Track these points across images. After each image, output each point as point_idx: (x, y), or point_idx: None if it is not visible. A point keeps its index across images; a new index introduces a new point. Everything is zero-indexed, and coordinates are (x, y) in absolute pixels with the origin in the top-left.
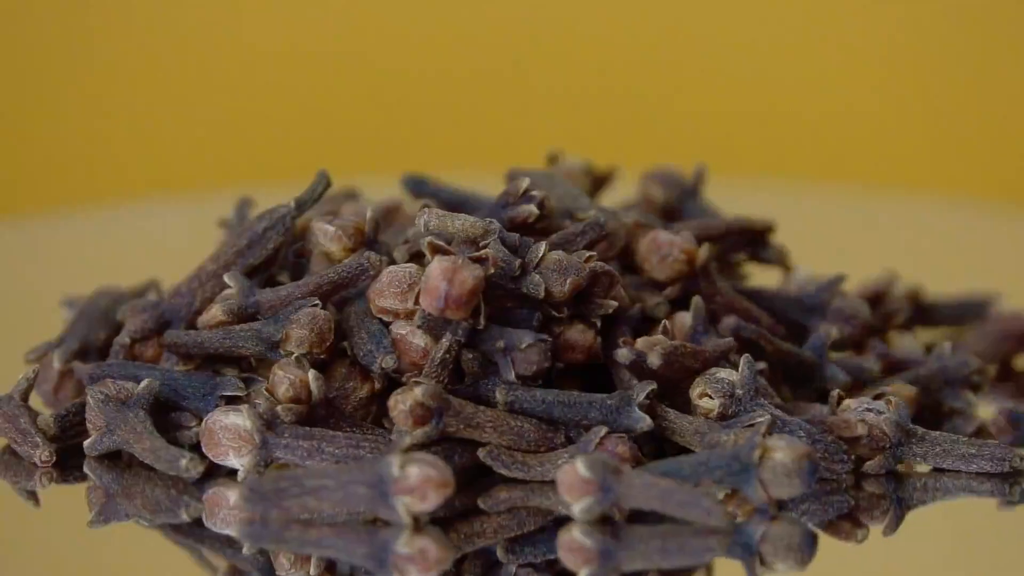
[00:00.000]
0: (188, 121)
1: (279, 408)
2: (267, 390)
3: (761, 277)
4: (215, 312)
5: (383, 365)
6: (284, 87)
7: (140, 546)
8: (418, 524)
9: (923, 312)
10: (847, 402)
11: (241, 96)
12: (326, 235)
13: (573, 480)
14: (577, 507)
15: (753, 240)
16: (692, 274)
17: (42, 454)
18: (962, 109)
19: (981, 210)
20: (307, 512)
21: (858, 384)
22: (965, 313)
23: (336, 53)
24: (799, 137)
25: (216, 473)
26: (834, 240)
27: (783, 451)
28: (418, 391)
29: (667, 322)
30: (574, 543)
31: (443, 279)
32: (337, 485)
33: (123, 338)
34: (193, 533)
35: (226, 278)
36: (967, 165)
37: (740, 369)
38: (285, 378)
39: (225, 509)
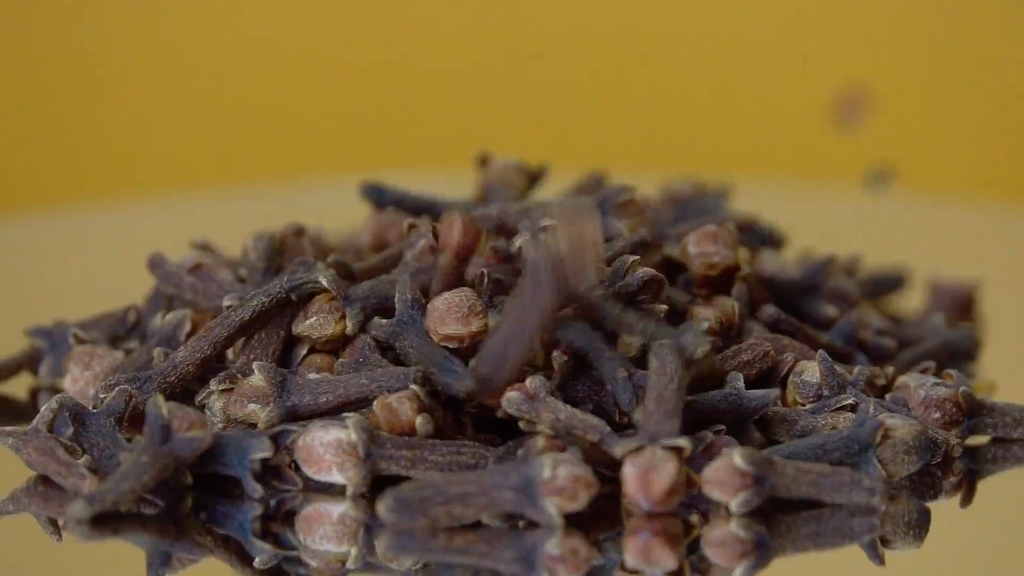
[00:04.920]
0: (184, 122)
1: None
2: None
3: None
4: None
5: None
6: (283, 88)
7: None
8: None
9: None
10: (902, 379)
11: (239, 96)
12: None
13: (728, 474)
14: (734, 502)
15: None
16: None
17: (91, 485)
18: (961, 108)
19: (981, 210)
20: (453, 519)
21: (874, 361)
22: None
23: (306, 56)
24: (797, 136)
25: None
26: (829, 239)
27: (902, 429)
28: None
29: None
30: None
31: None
32: (481, 490)
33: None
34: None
35: (255, 368)
36: (967, 165)
37: (820, 369)
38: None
39: (327, 525)
